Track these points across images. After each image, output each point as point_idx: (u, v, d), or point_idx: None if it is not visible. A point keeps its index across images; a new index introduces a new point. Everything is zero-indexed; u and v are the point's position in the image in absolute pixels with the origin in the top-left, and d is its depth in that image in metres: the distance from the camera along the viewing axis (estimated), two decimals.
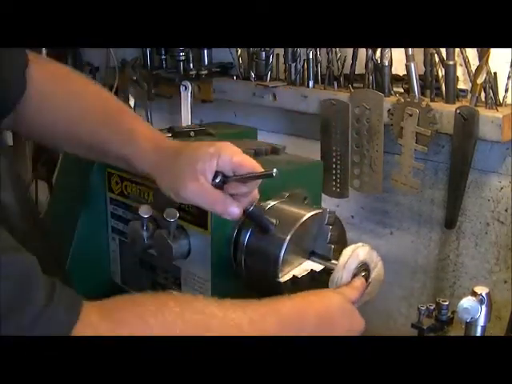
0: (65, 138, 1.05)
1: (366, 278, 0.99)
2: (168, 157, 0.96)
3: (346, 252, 0.98)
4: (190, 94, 1.69)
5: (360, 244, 0.99)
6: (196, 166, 0.92)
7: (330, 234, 1.04)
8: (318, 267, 1.03)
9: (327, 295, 0.91)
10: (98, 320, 0.62)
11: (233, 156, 0.94)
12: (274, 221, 1.03)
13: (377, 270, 1.01)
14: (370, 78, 1.41)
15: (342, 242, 1.08)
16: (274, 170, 0.90)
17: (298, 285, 0.99)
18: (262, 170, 0.95)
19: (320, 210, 1.06)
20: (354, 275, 0.97)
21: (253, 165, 0.94)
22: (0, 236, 0.60)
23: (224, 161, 0.93)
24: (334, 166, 1.49)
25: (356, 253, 0.97)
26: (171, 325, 0.67)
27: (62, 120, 1.02)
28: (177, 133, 1.43)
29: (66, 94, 1.02)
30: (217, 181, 0.94)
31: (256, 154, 1.25)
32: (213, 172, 0.93)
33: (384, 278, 1.03)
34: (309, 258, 1.05)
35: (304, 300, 0.86)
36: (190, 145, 0.98)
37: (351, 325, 0.85)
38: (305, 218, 1.04)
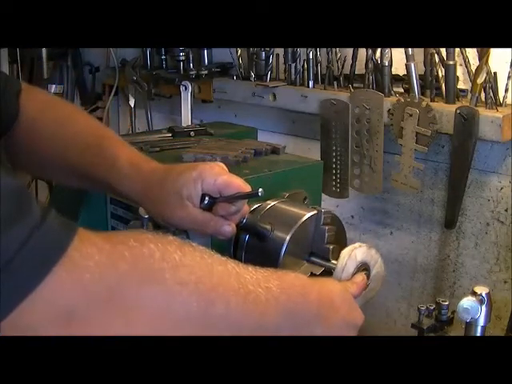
0: (53, 166, 1.04)
1: (367, 276, 0.98)
2: (153, 184, 0.95)
3: (344, 254, 0.97)
4: (190, 94, 1.69)
5: (357, 244, 0.99)
6: (181, 192, 0.92)
7: (327, 234, 1.03)
8: (317, 270, 1.03)
9: (329, 281, 0.91)
10: (100, 240, 0.60)
11: (216, 178, 0.93)
12: (269, 226, 1.03)
13: (377, 267, 1.00)
14: (370, 78, 1.41)
15: (341, 242, 1.08)
16: (260, 189, 0.91)
17: None
18: (248, 187, 0.95)
19: (315, 212, 1.05)
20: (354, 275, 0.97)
21: (238, 184, 0.94)
22: None
23: (208, 184, 0.93)
24: (334, 165, 1.49)
25: (354, 254, 0.97)
26: (172, 254, 0.64)
27: (50, 147, 1.02)
28: (177, 133, 1.43)
29: (54, 120, 1.02)
30: (205, 203, 0.94)
31: (256, 154, 1.26)
32: (199, 196, 0.93)
33: (385, 274, 1.03)
34: (308, 259, 1.05)
35: (307, 278, 0.85)
36: (174, 169, 0.97)
37: (349, 314, 0.84)
38: (304, 219, 1.03)
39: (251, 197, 0.95)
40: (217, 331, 0.67)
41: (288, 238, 1.02)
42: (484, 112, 1.25)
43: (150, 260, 0.62)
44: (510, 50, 1.23)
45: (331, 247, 1.03)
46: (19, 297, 0.53)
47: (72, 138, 1.02)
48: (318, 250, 1.05)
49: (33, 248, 0.54)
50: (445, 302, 1.02)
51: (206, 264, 0.68)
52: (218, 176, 0.94)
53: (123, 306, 0.59)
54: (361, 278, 0.95)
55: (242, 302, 0.70)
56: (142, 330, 0.60)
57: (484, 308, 0.91)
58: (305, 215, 1.04)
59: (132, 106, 1.99)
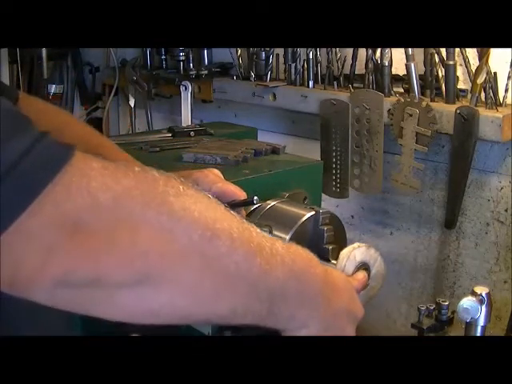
0: None
1: (368, 275, 0.98)
2: None
3: (342, 256, 0.97)
4: (190, 94, 1.69)
5: (356, 244, 0.99)
6: None
7: (326, 235, 1.03)
8: None
9: (332, 269, 0.90)
10: (102, 160, 0.58)
11: (211, 186, 0.92)
12: (267, 228, 1.03)
13: (377, 266, 1.00)
14: (370, 78, 1.41)
15: (341, 242, 1.08)
16: (255, 197, 0.91)
17: None
18: (244, 194, 0.94)
19: (313, 213, 1.05)
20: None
21: (233, 191, 0.93)
22: None
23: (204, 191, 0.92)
24: (334, 165, 1.49)
25: (353, 255, 0.97)
26: (176, 183, 0.61)
27: None
28: (177, 133, 1.43)
29: (50, 129, 1.02)
30: None
31: (256, 154, 1.25)
32: None
33: (385, 272, 1.02)
34: None
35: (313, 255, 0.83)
36: None
37: (350, 304, 0.83)
38: (303, 220, 1.03)
39: (247, 204, 0.95)
40: (218, 269, 0.62)
41: (287, 238, 1.02)
42: (484, 112, 1.25)
43: (154, 183, 0.59)
44: (509, 49, 1.23)
45: (331, 247, 1.03)
46: (27, 199, 0.51)
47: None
48: (317, 250, 1.05)
49: (39, 153, 0.53)
50: (445, 302, 1.02)
51: (209, 200, 0.65)
52: (213, 184, 0.93)
53: (129, 219, 0.56)
54: (362, 275, 0.95)
55: (246, 243, 0.65)
56: (145, 246, 0.56)
57: (484, 308, 0.91)
58: (304, 216, 1.04)
59: (132, 106, 1.99)
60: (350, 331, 0.82)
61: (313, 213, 1.04)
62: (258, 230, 0.69)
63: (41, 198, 0.52)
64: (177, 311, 0.61)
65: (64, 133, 1.03)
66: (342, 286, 0.83)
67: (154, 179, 0.60)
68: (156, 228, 0.57)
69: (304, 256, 0.75)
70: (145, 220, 0.57)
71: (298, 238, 1.03)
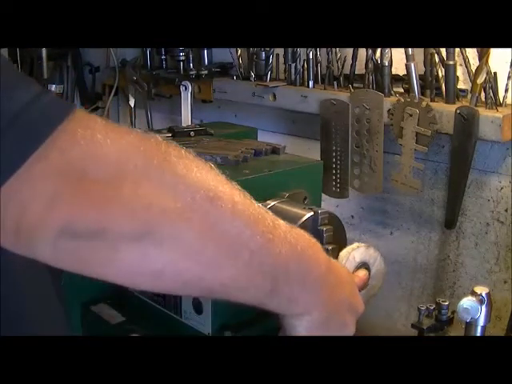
0: None
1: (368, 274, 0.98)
2: None
3: (341, 257, 0.97)
4: (190, 94, 1.69)
5: (355, 245, 0.99)
6: None
7: (325, 235, 1.03)
8: None
9: (335, 261, 0.89)
10: (103, 118, 0.58)
11: None
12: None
13: (377, 265, 1.00)
14: (370, 78, 1.41)
15: (341, 242, 1.08)
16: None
17: None
18: None
19: (312, 213, 1.05)
20: None
21: None
22: None
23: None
24: (334, 165, 1.50)
25: (352, 256, 0.97)
26: (177, 147, 0.62)
27: None
28: (177, 133, 1.43)
29: None
30: None
31: (256, 154, 1.25)
32: None
33: (385, 271, 1.02)
34: None
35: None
36: None
37: (352, 297, 0.83)
38: (302, 220, 1.03)
39: None
40: (220, 232, 0.61)
41: (296, 226, 1.02)
42: (484, 112, 1.25)
43: (157, 144, 0.59)
44: (509, 49, 1.23)
45: (330, 248, 1.03)
46: (34, 145, 0.52)
47: None
48: None
49: (45, 103, 0.53)
50: (445, 302, 1.02)
51: (211, 167, 0.65)
52: None
53: (132, 172, 0.56)
54: (363, 272, 0.95)
55: (248, 211, 0.64)
56: (148, 199, 0.56)
57: (484, 308, 0.92)
58: (303, 216, 1.04)
59: (132, 106, 1.99)
60: (350, 323, 0.81)
61: (311, 213, 1.04)
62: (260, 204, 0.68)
63: (47, 144, 0.52)
64: (179, 273, 0.60)
65: None
66: (344, 277, 0.83)
67: (156, 141, 0.60)
68: (159, 184, 0.57)
69: (307, 238, 0.74)
70: (148, 175, 0.57)
71: None
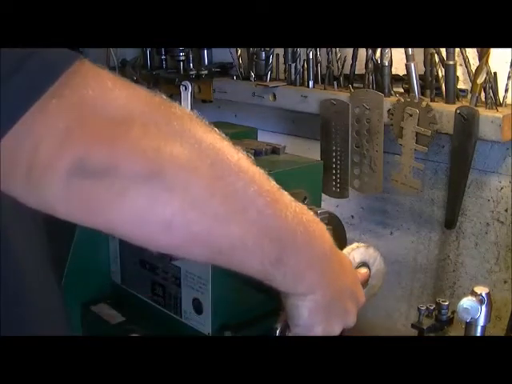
0: None
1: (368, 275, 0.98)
2: None
3: None
4: (190, 94, 1.69)
5: (354, 245, 0.98)
6: None
7: None
8: None
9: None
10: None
11: None
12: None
13: (377, 264, 1.00)
14: (370, 78, 1.41)
15: (341, 241, 1.07)
16: None
17: None
18: None
19: (311, 213, 1.04)
20: None
21: None
22: None
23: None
24: (334, 165, 1.50)
25: (351, 256, 0.97)
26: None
27: None
28: None
29: None
30: None
31: (256, 154, 1.26)
32: None
33: (386, 270, 1.02)
34: None
35: None
36: None
37: (354, 285, 0.83)
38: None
39: None
40: (227, 186, 0.62)
41: None
42: (484, 112, 1.25)
43: (161, 98, 0.61)
44: (509, 49, 1.23)
45: None
46: (48, 80, 0.53)
47: None
48: None
49: (58, 48, 0.56)
50: (445, 302, 1.03)
51: (213, 128, 0.68)
52: None
53: (141, 116, 0.57)
54: (364, 270, 0.95)
55: (253, 172, 0.65)
56: (157, 144, 0.56)
57: (484, 308, 0.92)
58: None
59: None
60: (351, 311, 0.80)
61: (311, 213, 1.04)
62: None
63: (60, 82, 0.53)
64: (188, 224, 0.59)
65: None
66: (347, 265, 0.83)
67: (161, 97, 0.61)
68: (166, 130, 0.58)
69: (311, 214, 0.74)
70: (155, 121, 0.58)
71: None
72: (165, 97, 0.62)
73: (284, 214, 0.67)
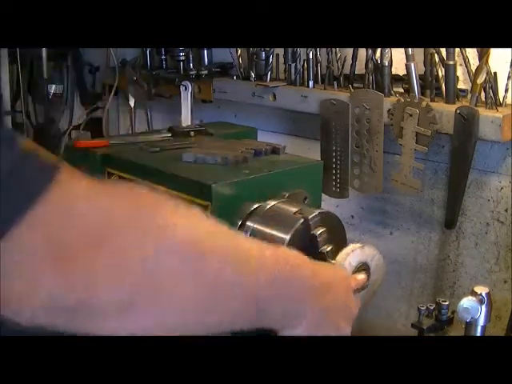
0: None
1: (368, 275, 0.98)
2: None
3: (338, 261, 0.97)
4: (190, 94, 1.69)
5: (349, 249, 0.98)
6: None
7: (319, 240, 1.02)
8: None
9: (326, 267, 0.90)
10: (85, 177, 0.57)
11: None
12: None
13: (375, 260, 1.00)
14: (370, 78, 1.41)
15: (341, 241, 1.07)
16: None
17: None
18: None
19: (302, 220, 1.03)
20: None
21: None
22: None
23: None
24: (334, 165, 1.49)
25: (348, 262, 0.96)
26: (162, 197, 0.61)
27: None
28: (177, 133, 1.43)
29: None
30: None
31: (256, 154, 1.25)
32: None
33: (385, 265, 1.02)
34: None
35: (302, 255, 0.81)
36: None
37: (345, 299, 0.83)
38: (291, 234, 1.02)
39: None
40: (207, 286, 0.62)
41: (288, 237, 1.02)
42: (484, 112, 1.25)
43: (142, 200, 0.59)
44: (509, 49, 1.23)
45: (327, 249, 1.02)
46: (10, 221, 0.49)
47: None
48: (314, 253, 1.05)
49: (22, 174, 0.51)
50: (445, 302, 1.03)
51: (199, 216, 0.66)
52: None
53: (114, 240, 0.55)
54: (361, 275, 0.95)
55: (235, 257, 0.66)
56: (133, 271, 0.55)
57: (484, 308, 0.92)
58: (292, 228, 1.03)
59: (132, 106, 1.99)
60: (344, 327, 0.82)
61: (301, 221, 1.03)
62: (245, 235, 0.70)
63: (25, 220, 0.50)
64: (165, 328, 0.61)
65: None
66: (334, 282, 0.83)
67: (140, 196, 0.59)
68: (144, 249, 0.56)
69: (291, 258, 0.76)
70: (131, 241, 0.56)
71: (294, 246, 1.01)
72: (144, 190, 0.60)
73: (263, 281, 0.68)
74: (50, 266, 0.52)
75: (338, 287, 0.83)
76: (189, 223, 0.62)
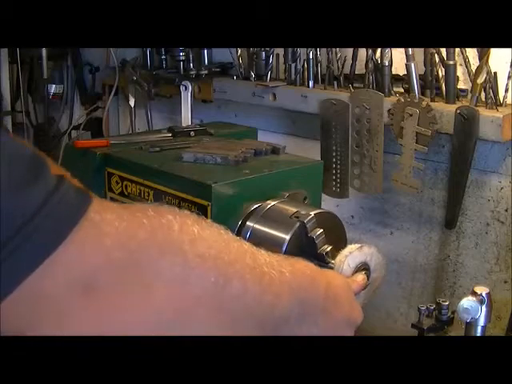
0: None
1: (367, 274, 0.98)
2: None
3: (336, 266, 0.97)
4: (190, 94, 1.69)
5: (347, 250, 0.97)
6: None
7: (316, 242, 1.02)
8: None
9: (335, 275, 0.90)
10: (118, 207, 0.57)
11: None
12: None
13: (375, 259, 0.99)
14: (370, 78, 1.41)
15: (341, 241, 1.07)
16: None
17: None
18: None
19: (298, 224, 1.03)
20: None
21: None
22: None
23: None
24: (334, 165, 1.50)
25: (346, 264, 0.96)
26: (190, 227, 0.62)
27: None
28: (177, 133, 1.43)
29: None
30: None
31: (256, 154, 1.25)
32: None
33: (385, 262, 1.02)
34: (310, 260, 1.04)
35: (317, 268, 0.83)
36: None
37: (351, 312, 0.85)
38: (289, 238, 1.02)
39: None
40: (228, 312, 0.64)
41: (288, 237, 1.02)
42: (484, 112, 1.25)
43: (169, 231, 0.59)
44: (509, 49, 1.23)
45: (326, 250, 1.02)
46: (38, 259, 0.50)
47: None
48: (313, 254, 1.04)
49: (51, 210, 0.51)
50: (445, 302, 1.02)
51: (223, 239, 0.66)
52: None
53: (143, 274, 0.56)
54: (361, 277, 0.95)
55: (258, 281, 0.68)
56: (159, 303, 0.57)
57: (484, 308, 0.91)
58: (289, 232, 1.03)
59: (132, 106, 1.99)
60: (349, 335, 0.84)
61: (298, 224, 1.02)
62: (267, 255, 0.71)
63: (52, 258, 0.50)
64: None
65: None
66: (343, 295, 0.85)
67: (169, 226, 0.60)
68: (170, 280, 0.58)
69: (308, 276, 0.78)
70: (159, 273, 0.57)
71: (292, 251, 1.02)
72: (171, 217, 0.60)
73: (282, 306, 0.71)
74: (79, 301, 0.53)
75: (345, 299, 0.85)
76: (215, 249, 0.64)
